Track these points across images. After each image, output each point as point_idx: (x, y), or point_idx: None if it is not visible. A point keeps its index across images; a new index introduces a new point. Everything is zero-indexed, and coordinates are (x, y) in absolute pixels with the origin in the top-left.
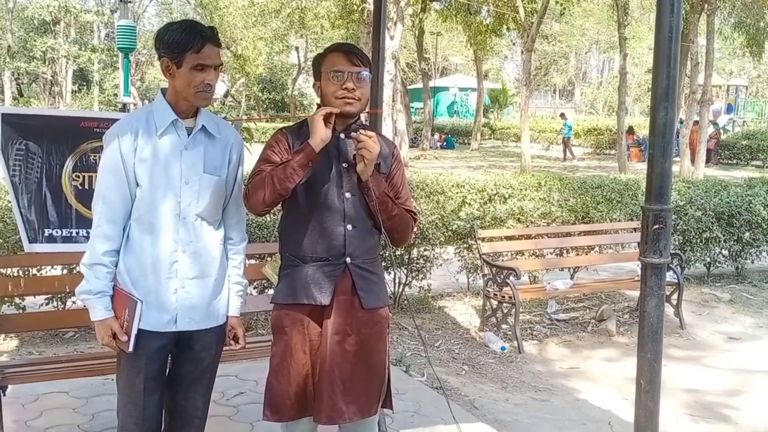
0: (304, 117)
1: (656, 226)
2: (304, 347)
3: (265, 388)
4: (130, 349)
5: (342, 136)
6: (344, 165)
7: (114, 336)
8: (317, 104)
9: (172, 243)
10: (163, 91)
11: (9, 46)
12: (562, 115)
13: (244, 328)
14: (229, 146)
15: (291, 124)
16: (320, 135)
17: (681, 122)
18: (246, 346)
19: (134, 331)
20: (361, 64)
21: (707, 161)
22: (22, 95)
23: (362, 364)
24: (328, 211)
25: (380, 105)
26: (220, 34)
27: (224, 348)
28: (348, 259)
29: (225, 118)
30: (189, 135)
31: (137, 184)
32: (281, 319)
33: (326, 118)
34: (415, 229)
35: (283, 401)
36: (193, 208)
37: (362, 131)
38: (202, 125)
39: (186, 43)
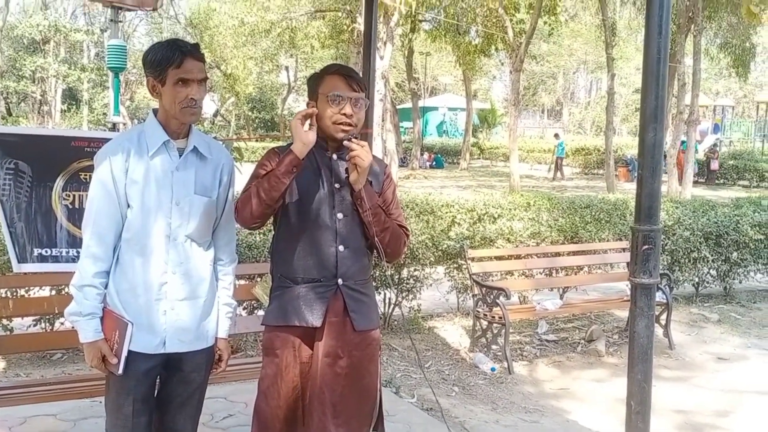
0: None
1: (645, 247)
2: (295, 369)
3: (254, 411)
4: (120, 371)
5: (335, 157)
6: (336, 185)
7: (103, 358)
8: (309, 124)
9: (162, 264)
10: (155, 112)
11: None
12: (556, 136)
13: (230, 350)
14: (220, 167)
15: (281, 143)
16: (301, 138)
17: (683, 143)
18: (226, 369)
19: (124, 354)
20: (359, 89)
21: (708, 181)
22: (11, 114)
23: (353, 387)
24: (319, 232)
25: (371, 125)
26: (209, 54)
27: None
28: (340, 281)
29: (215, 137)
30: (180, 156)
31: (128, 205)
32: (272, 341)
33: (306, 118)
34: (407, 244)
35: (272, 424)
36: (183, 229)
37: (354, 140)
38: (194, 146)
39: (167, 59)
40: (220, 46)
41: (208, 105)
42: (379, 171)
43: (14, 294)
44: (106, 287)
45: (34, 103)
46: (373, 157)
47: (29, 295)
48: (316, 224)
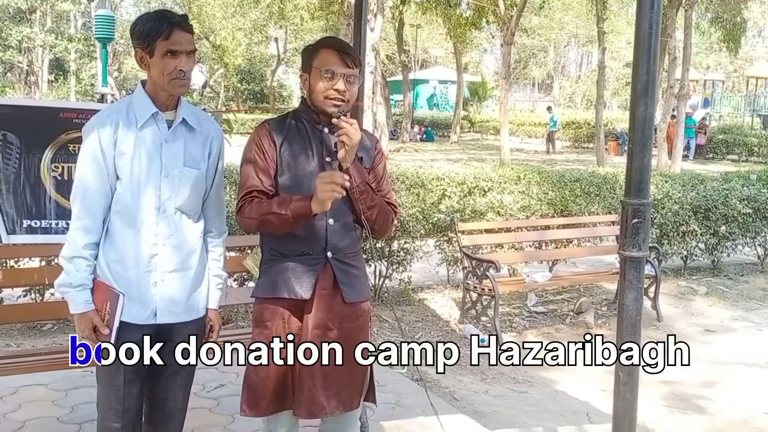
0: (284, 109)
1: (635, 220)
2: (284, 342)
3: (243, 383)
4: (112, 341)
5: (326, 130)
6: (327, 159)
7: (94, 329)
8: (301, 97)
9: (152, 236)
10: (143, 83)
11: None
12: (549, 109)
13: (220, 321)
14: (210, 139)
15: (270, 115)
16: (325, 203)
17: (674, 117)
18: (217, 339)
19: (116, 324)
20: (353, 64)
21: (697, 156)
22: None
23: (343, 359)
24: None
25: (361, 97)
26: (198, 25)
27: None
28: (329, 254)
29: (204, 109)
30: (169, 128)
31: (117, 177)
32: (262, 313)
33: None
34: (395, 222)
35: (262, 396)
36: (172, 201)
37: (343, 118)
38: (183, 118)
39: (155, 30)
40: (208, 17)
41: (197, 76)
42: (370, 146)
43: (3, 265)
44: (95, 259)
45: (20, 74)
46: (364, 131)
47: (19, 266)
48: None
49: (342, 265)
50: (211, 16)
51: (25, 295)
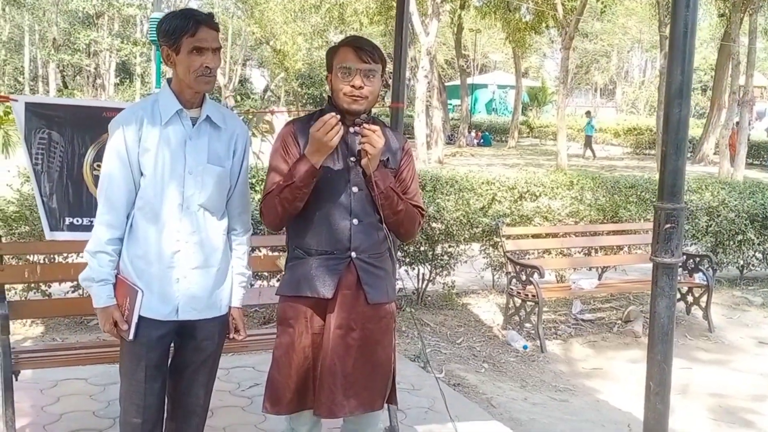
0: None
1: (668, 225)
2: (306, 340)
3: (267, 381)
4: (131, 337)
5: (351, 130)
6: (352, 159)
7: (115, 324)
8: (328, 97)
9: (175, 233)
10: (169, 81)
11: (54, 38)
12: (587, 113)
13: (244, 320)
14: (234, 137)
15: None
16: (322, 148)
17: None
18: (246, 338)
19: (135, 320)
20: (370, 60)
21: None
22: (66, 87)
23: (365, 359)
24: (334, 205)
25: (402, 99)
26: (259, 29)
27: (226, 340)
28: (353, 254)
29: (244, 111)
30: (194, 125)
31: (141, 174)
32: (285, 311)
33: (332, 127)
34: (421, 224)
35: (283, 394)
36: (196, 198)
37: (366, 125)
38: (207, 115)
39: (181, 28)
40: (269, 22)
41: (259, 80)
42: (397, 146)
43: (51, 260)
44: (119, 254)
45: (88, 77)
46: (391, 131)
47: (67, 261)
48: (331, 197)
49: (366, 265)
50: (273, 21)
51: (73, 291)
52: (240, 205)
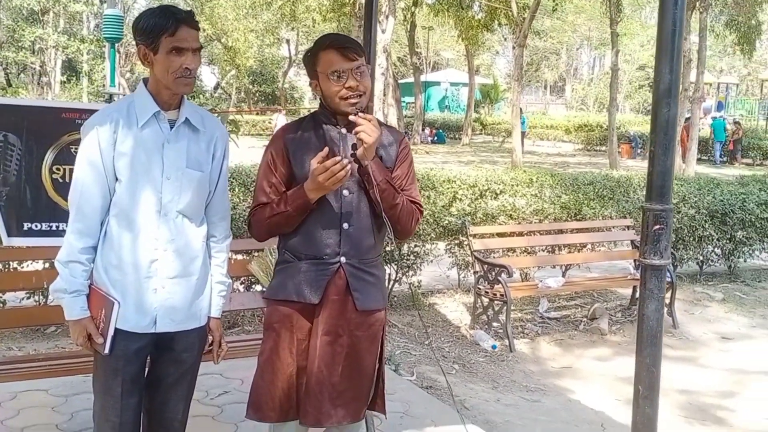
0: (295, 110)
1: (657, 227)
2: (290, 347)
3: (251, 386)
4: (106, 351)
5: (343, 131)
6: (346, 161)
7: (89, 337)
8: (320, 102)
9: (153, 240)
10: (145, 81)
11: None
12: (520, 110)
13: (221, 330)
14: (214, 140)
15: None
16: (322, 189)
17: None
18: (227, 351)
19: (110, 333)
20: (356, 56)
21: (732, 162)
22: (10, 85)
23: (353, 367)
24: (324, 209)
25: (371, 98)
26: (210, 26)
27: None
28: (343, 259)
29: (212, 110)
30: (171, 128)
31: (116, 179)
32: (271, 315)
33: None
34: (419, 221)
35: (265, 400)
36: (174, 204)
37: (360, 114)
38: (186, 118)
39: (160, 26)
40: (220, 19)
41: (209, 78)
42: (393, 141)
43: (6, 267)
44: (92, 263)
45: (33, 74)
46: (387, 127)
47: (21, 268)
48: (321, 201)
49: (356, 270)
50: (223, 17)
51: (28, 298)
52: (219, 211)
